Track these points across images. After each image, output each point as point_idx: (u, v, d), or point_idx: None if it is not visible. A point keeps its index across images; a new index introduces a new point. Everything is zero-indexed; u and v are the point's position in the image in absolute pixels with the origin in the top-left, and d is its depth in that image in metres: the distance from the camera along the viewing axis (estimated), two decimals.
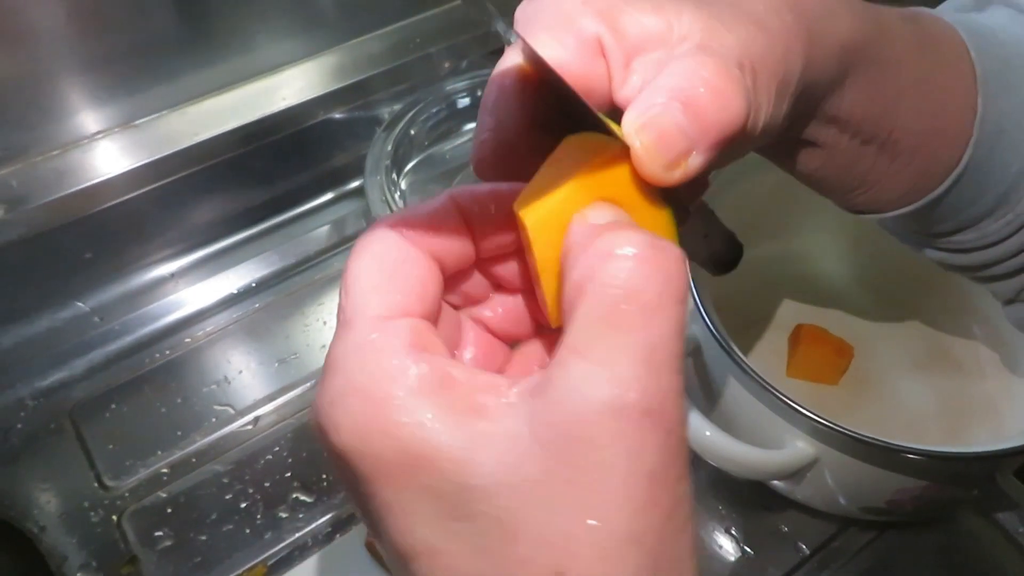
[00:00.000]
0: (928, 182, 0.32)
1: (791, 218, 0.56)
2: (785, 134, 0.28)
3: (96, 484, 0.51)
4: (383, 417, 0.19)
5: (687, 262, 0.20)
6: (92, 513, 0.49)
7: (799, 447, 0.42)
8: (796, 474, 0.42)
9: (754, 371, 0.41)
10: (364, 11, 0.62)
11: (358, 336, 0.20)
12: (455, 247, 0.23)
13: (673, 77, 0.22)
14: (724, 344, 0.42)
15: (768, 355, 0.53)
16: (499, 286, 0.25)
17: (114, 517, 0.49)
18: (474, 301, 0.25)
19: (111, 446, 0.52)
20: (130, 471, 0.51)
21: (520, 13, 0.24)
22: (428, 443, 0.18)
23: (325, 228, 0.64)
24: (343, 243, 0.63)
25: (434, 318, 0.23)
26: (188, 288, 0.60)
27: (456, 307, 0.25)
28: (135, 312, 0.58)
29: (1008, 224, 0.33)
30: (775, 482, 0.46)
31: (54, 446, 0.52)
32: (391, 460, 0.19)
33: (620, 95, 0.24)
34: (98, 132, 0.55)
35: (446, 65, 0.65)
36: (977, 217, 0.33)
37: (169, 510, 0.49)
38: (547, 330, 0.26)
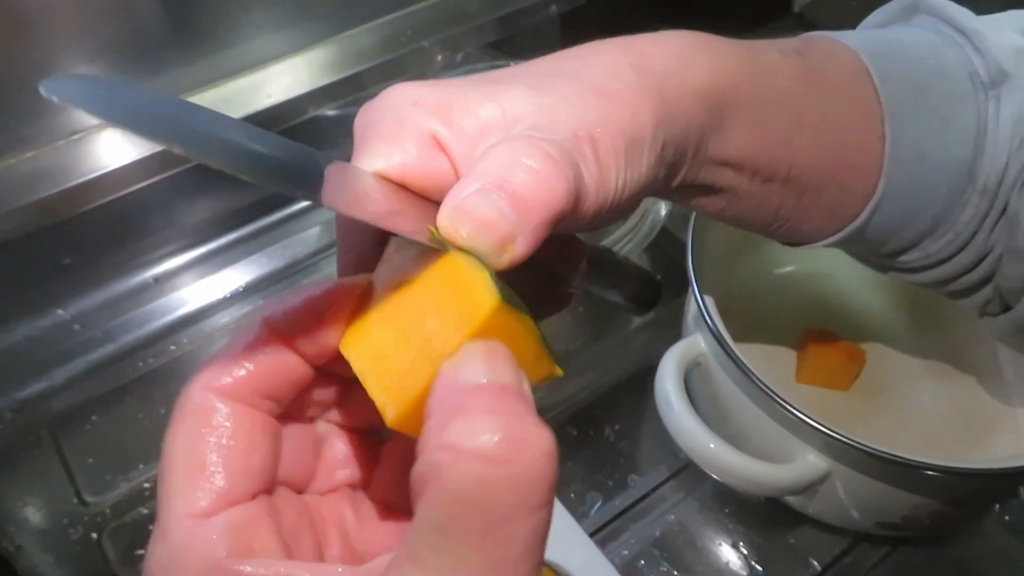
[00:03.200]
0: (846, 212, 0.31)
1: None
2: (676, 183, 0.27)
3: (76, 500, 0.49)
4: None
5: (556, 451, 0.17)
6: (71, 530, 0.47)
7: (810, 461, 0.39)
8: (806, 490, 0.40)
9: (761, 381, 0.39)
10: (354, 3, 0.60)
11: (168, 547, 0.19)
12: (285, 377, 0.21)
13: (488, 163, 0.21)
14: (730, 352, 0.39)
15: (776, 361, 0.51)
16: (346, 377, 0.23)
17: (94, 534, 0.47)
18: (328, 404, 0.23)
19: (91, 460, 0.50)
20: (111, 486, 0.49)
21: (358, 122, 0.24)
22: None
23: (315, 230, 0.62)
24: (334, 245, 0.61)
25: (270, 483, 0.21)
26: (173, 293, 0.58)
27: (313, 419, 0.23)
28: (117, 319, 0.56)
29: (950, 243, 0.32)
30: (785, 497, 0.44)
31: (32, 460, 0.50)
32: None
33: None
34: (76, 132, 0.53)
35: (439, 58, 0.63)
36: (915, 239, 0.33)
37: (151, 527, 0.47)
38: None
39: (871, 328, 0.53)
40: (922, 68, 0.31)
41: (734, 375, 0.40)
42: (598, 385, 0.53)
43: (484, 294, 0.20)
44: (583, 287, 0.30)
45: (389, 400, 0.20)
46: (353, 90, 0.60)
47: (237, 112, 0.55)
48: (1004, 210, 0.31)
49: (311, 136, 0.61)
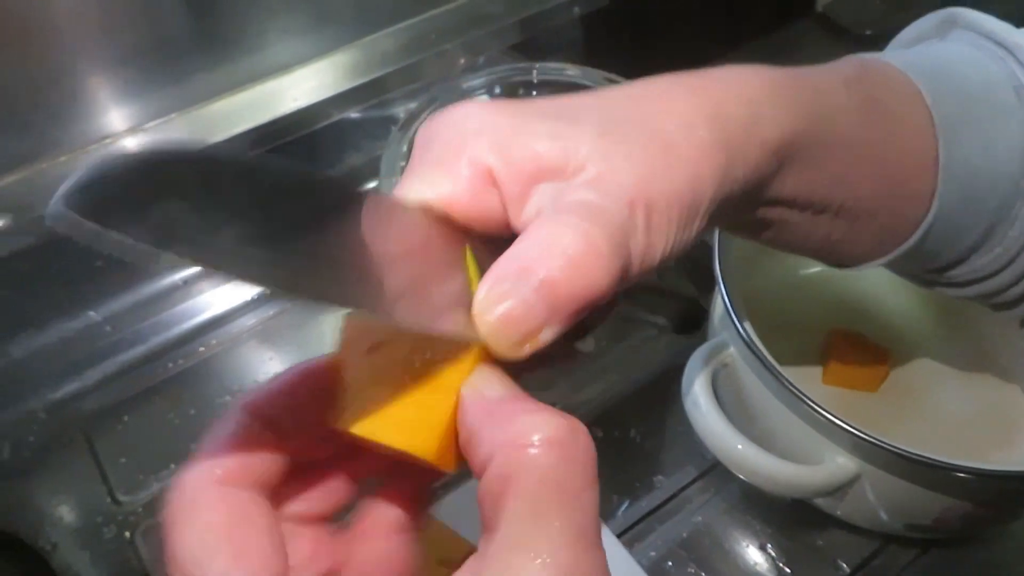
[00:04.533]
0: (898, 236, 0.31)
1: None
2: (724, 225, 0.27)
3: (109, 499, 0.49)
4: None
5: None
6: (105, 529, 0.48)
7: (839, 463, 0.39)
8: (835, 492, 0.40)
9: (789, 381, 0.39)
10: (377, 7, 0.61)
11: None
12: (271, 463, 0.21)
13: (530, 244, 0.21)
14: (757, 352, 0.39)
15: (802, 362, 0.51)
16: (309, 463, 0.23)
17: (127, 533, 0.48)
18: (286, 496, 0.22)
19: (124, 459, 0.51)
20: (143, 485, 0.50)
21: (420, 136, 0.24)
22: None
23: None
24: None
25: (285, 563, 0.20)
26: (201, 296, 0.59)
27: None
28: (147, 321, 0.57)
29: (998, 258, 0.32)
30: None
31: (66, 460, 0.51)
32: None
33: (517, 224, 0.23)
34: (106, 137, 0.54)
35: (462, 61, 0.63)
36: (963, 254, 0.32)
37: None
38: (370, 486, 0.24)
39: (898, 329, 0.53)
40: (969, 84, 0.30)
41: (762, 376, 0.40)
42: (623, 386, 0.53)
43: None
44: (623, 315, 0.31)
45: (420, 443, 0.20)
46: (376, 93, 0.61)
47: (264, 115, 0.56)
48: None
49: (335, 139, 0.62)
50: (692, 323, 0.34)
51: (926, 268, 0.34)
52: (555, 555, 0.18)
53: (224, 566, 0.19)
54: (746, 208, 0.27)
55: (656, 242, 0.23)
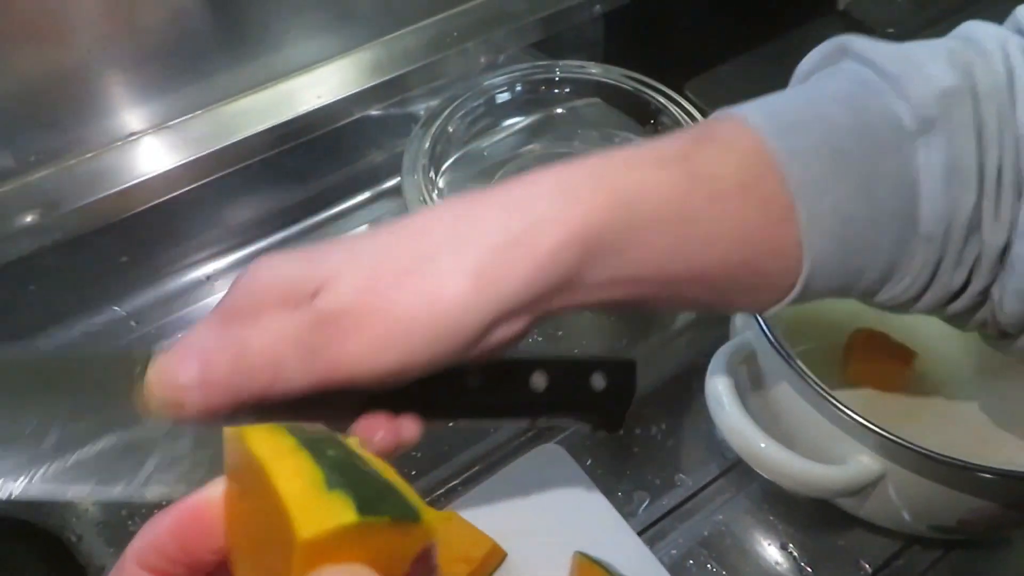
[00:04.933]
0: (775, 291, 0.31)
1: None
2: (549, 311, 0.28)
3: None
4: None
5: None
6: (130, 522, 0.49)
7: (863, 463, 0.39)
8: (859, 492, 0.40)
9: (814, 379, 0.39)
10: (399, 6, 0.61)
11: None
12: None
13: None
14: (780, 350, 0.39)
15: (825, 361, 0.50)
16: None
17: None
18: None
19: None
20: None
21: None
22: None
23: (362, 229, 0.63)
24: None
25: None
26: (224, 292, 0.59)
27: None
28: (171, 316, 0.57)
29: (909, 287, 0.32)
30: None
31: None
32: None
33: None
34: (132, 134, 0.54)
35: (483, 60, 0.63)
36: (872, 287, 0.32)
37: None
38: None
39: (921, 327, 0.52)
40: (838, 132, 0.30)
41: (786, 375, 0.40)
42: (643, 384, 0.52)
43: (297, 518, 0.16)
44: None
45: None
46: (398, 91, 0.61)
47: (287, 112, 0.56)
48: (962, 252, 0.31)
49: (357, 136, 0.62)
50: (613, 421, 0.36)
51: (845, 297, 0.33)
52: None
53: None
54: (565, 300, 0.28)
55: (370, 355, 0.26)
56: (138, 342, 0.56)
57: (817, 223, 0.29)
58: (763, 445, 0.40)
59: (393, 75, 0.60)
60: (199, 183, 0.55)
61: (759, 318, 0.40)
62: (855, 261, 0.30)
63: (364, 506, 0.17)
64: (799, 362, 0.39)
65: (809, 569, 0.45)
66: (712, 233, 0.29)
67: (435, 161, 0.58)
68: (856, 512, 0.44)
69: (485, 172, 0.62)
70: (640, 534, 0.46)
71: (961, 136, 0.29)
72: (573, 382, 0.34)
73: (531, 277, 0.27)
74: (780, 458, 0.39)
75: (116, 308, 0.57)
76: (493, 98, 0.62)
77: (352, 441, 0.20)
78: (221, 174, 0.55)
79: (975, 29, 0.32)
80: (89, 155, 0.53)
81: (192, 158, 0.54)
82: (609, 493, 0.46)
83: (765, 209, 0.29)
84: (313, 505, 0.16)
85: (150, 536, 0.20)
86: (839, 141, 0.30)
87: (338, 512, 0.16)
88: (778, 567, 0.45)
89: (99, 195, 0.52)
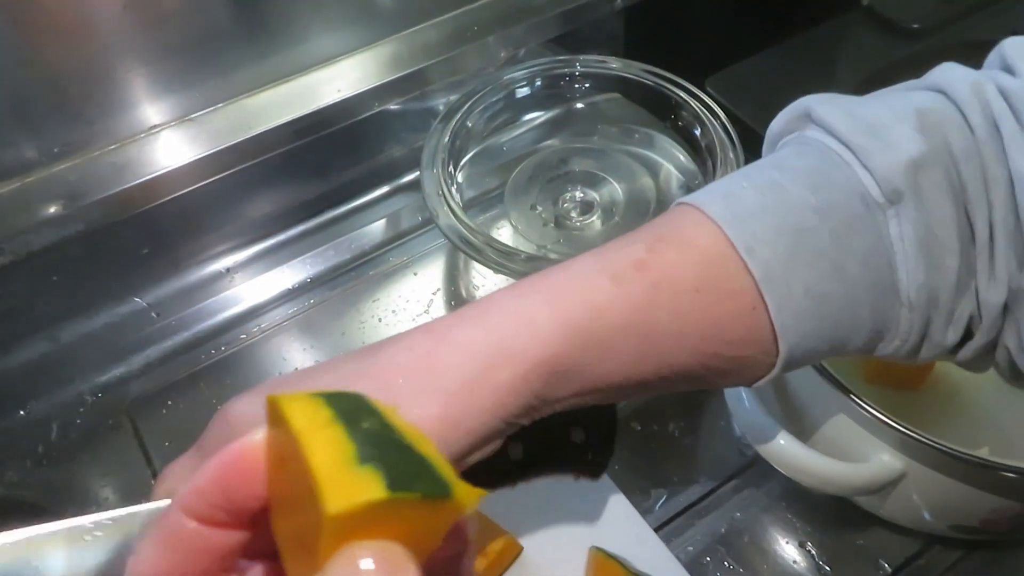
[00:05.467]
0: (755, 372, 0.31)
1: None
2: (529, 420, 0.29)
3: (153, 482, 0.50)
4: None
5: None
6: None
7: (884, 461, 0.39)
8: (880, 490, 0.40)
9: (835, 377, 0.39)
10: (419, 0, 0.61)
11: None
12: (214, 555, 0.20)
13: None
14: None
15: (845, 359, 0.50)
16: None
17: None
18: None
19: (168, 443, 0.52)
20: None
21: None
22: None
23: (381, 222, 0.63)
24: (399, 237, 0.62)
25: None
26: (244, 284, 0.59)
27: None
28: (192, 308, 0.58)
29: (900, 347, 0.31)
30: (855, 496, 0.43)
31: (112, 442, 0.52)
32: None
33: None
34: (154, 127, 0.54)
35: (503, 54, 0.63)
36: (863, 350, 0.32)
37: None
38: None
39: None
40: (802, 211, 0.29)
41: (806, 371, 0.40)
42: None
43: (326, 492, 0.16)
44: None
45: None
46: (418, 85, 0.61)
47: (307, 106, 0.56)
48: (953, 313, 0.30)
49: (377, 130, 0.62)
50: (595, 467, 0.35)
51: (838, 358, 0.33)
52: None
53: None
54: (540, 412, 0.29)
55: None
56: (158, 333, 0.57)
57: (789, 306, 0.29)
58: (783, 442, 0.40)
59: (413, 69, 0.60)
60: (220, 176, 0.55)
61: None
62: (837, 333, 0.30)
63: (395, 482, 0.16)
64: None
65: (827, 568, 0.45)
66: (679, 333, 0.29)
67: (454, 156, 0.58)
68: (876, 511, 0.43)
69: (504, 167, 0.62)
70: (657, 530, 0.45)
71: (933, 203, 0.29)
72: (552, 440, 0.34)
73: (495, 411, 0.27)
74: (800, 455, 0.39)
75: (138, 299, 0.57)
76: (513, 93, 0.62)
77: (390, 410, 0.20)
78: (242, 167, 0.56)
79: (949, 79, 0.31)
80: (112, 147, 0.54)
81: (213, 151, 0.54)
82: (626, 489, 0.46)
83: (733, 302, 0.29)
84: (343, 480, 0.16)
85: (194, 481, 0.20)
86: (803, 221, 0.29)
87: (368, 487, 0.16)
88: (796, 566, 0.45)
89: (121, 187, 0.52)
